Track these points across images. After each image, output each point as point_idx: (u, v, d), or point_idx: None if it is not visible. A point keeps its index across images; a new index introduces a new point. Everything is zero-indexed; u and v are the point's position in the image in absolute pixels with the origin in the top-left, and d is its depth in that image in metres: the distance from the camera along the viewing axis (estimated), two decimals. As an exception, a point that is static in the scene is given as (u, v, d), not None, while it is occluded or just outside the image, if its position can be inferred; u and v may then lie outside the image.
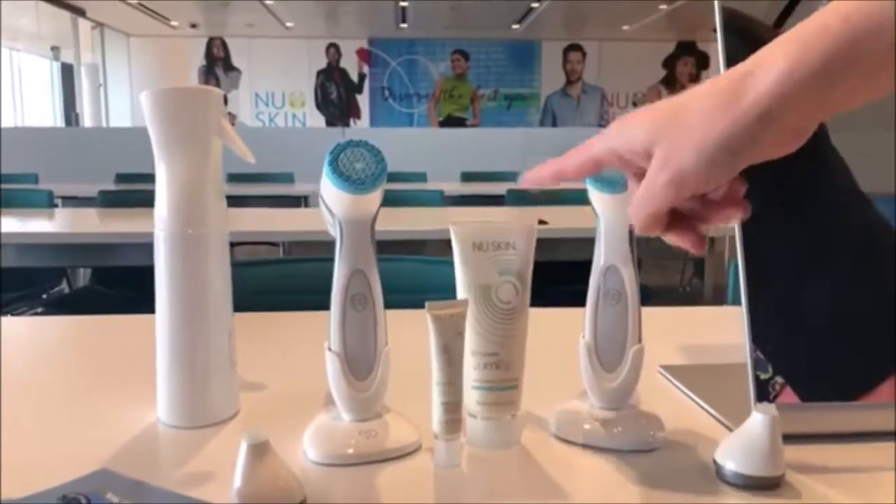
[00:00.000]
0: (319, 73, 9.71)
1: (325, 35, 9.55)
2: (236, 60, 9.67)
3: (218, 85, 9.31)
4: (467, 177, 4.15)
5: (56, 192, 2.81)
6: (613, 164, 0.43)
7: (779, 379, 0.54)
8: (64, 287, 2.61)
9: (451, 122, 9.63)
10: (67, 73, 9.18)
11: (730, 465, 0.47)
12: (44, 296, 2.56)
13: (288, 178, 4.03)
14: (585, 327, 0.53)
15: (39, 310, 2.43)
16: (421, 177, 3.94)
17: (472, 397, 0.52)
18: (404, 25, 8.86)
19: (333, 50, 9.68)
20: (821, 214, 0.56)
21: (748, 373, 0.52)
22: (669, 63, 9.99)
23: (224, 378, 0.57)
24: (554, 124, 9.78)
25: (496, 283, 0.52)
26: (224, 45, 9.64)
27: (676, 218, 0.43)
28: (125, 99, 9.45)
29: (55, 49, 9.36)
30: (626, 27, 8.99)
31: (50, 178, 3.82)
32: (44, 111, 9.42)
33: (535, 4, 7.78)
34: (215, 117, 0.54)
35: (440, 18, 8.47)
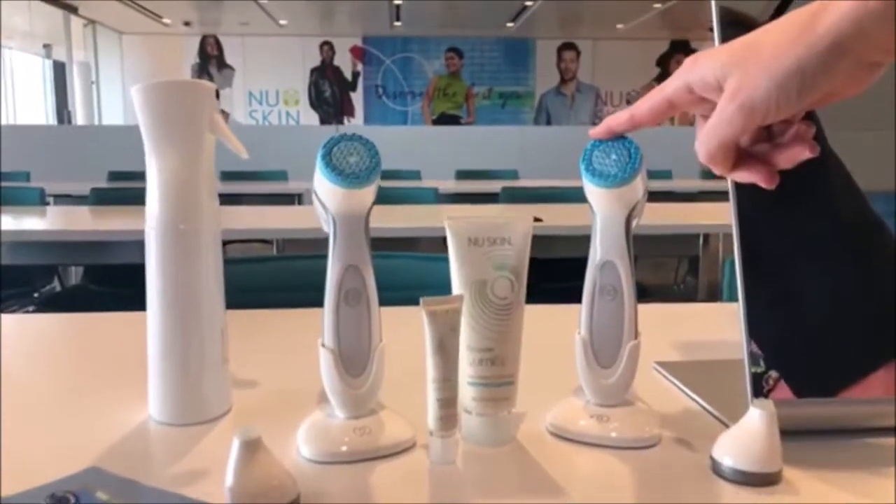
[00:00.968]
0: (313, 70, 9.68)
1: (319, 33, 9.52)
2: (230, 58, 9.63)
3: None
4: (462, 175, 4.14)
5: (48, 190, 2.79)
6: (685, 103, 0.44)
7: (772, 374, 0.54)
8: (56, 285, 2.59)
9: (445, 120, 9.61)
10: (59, 70, 9.12)
11: (727, 461, 0.46)
12: (35, 294, 2.54)
13: (282, 176, 4.01)
14: (581, 323, 0.53)
15: (31, 308, 2.41)
16: (415, 174, 3.93)
17: (467, 393, 0.52)
18: (398, 23, 8.84)
19: (327, 48, 9.65)
20: (817, 211, 0.56)
21: (745, 368, 0.52)
22: (663, 62, 10.00)
23: (216, 375, 0.56)
24: (548, 123, 9.78)
25: (492, 279, 0.51)
26: (218, 42, 9.60)
27: (744, 157, 0.43)
28: (118, 97, 9.40)
29: (47, 47, 9.29)
30: (620, 26, 8.99)
31: (42, 176, 3.79)
32: (36, 109, 9.36)
33: (529, 3, 7.78)
34: (207, 112, 0.54)
35: (434, 16, 8.45)
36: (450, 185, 3.48)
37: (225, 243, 2.03)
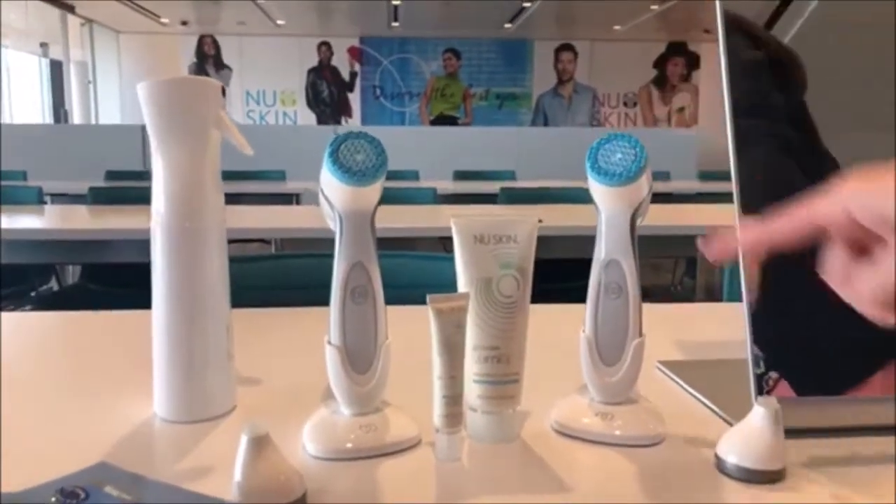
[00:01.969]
0: (310, 71, 9.68)
1: (317, 33, 9.52)
2: (227, 58, 9.61)
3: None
4: (460, 175, 4.14)
5: (45, 189, 2.78)
6: (842, 231, 0.38)
7: (772, 374, 0.54)
8: (53, 284, 2.58)
9: (442, 120, 9.62)
10: (56, 69, 9.09)
11: (731, 458, 0.46)
12: (33, 293, 2.53)
13: (280, 176, 4.01)
14: (586, 321, 0.53)
15: (28, 307, 2.41)
16: (412, 175, 3.93)
17: (473, 391, 0.52)
18: (396, 24, 8.84)
19: (325, 48, 9.64)
20: (807, 164, 0.56)
21: (749, 367, 0.52)
22: (660, 63, 10.02)
23: (222, 372, 0.56)
24: (545, 124, 9.79)
25: (497, 277, 0.52)
26: (215, 42, 9.59)
27: None
28: (115, 96, 9.38)
29: (44, 45, 9.27)
30: (617, 27, 9.01)
31: (39, 175, 3.78)
32: (33, 108, 9.33)
33: (526, 4, 7.78)
34: (213, 109, 0.54)
35: (432, 17, 8.45)
36: (448, 186, 3.49)
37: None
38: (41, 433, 0.53)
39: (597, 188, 0.51)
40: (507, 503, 0.44)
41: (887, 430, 0.53)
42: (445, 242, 1.80)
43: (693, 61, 9.98)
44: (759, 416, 0.46)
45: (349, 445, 0.49)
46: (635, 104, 10.07)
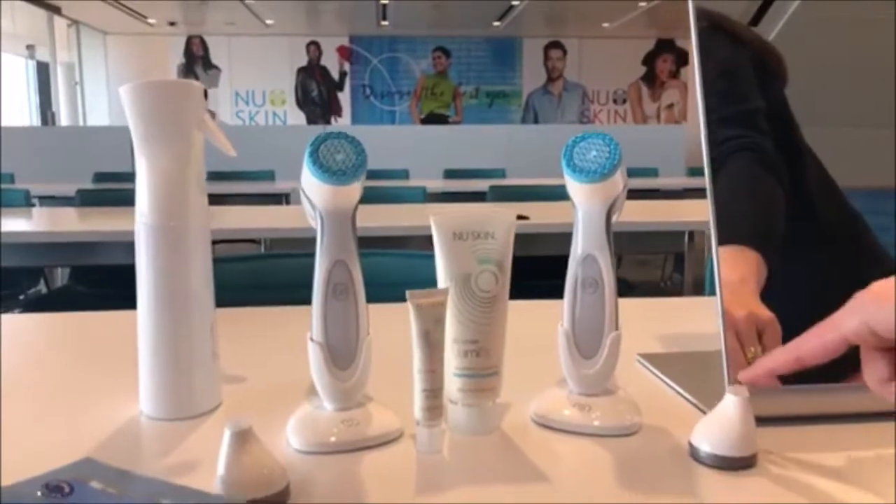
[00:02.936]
0: (300, 70, 9.65)
1: (306, 33, 9.49)
2: (216, 58, 9.57)
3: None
4: (450, 174, 4.16)
5: (33, 191, 2.77)
6: (868, 343, 0.40)
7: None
8: (42, 287, 2.58)
9: (433, 119, 9.62)
10: (43, 71, 9.03)
11: (704, 446, 0.48)
12: (21, 297, 2.52)
13: (269, 176, 4.00)
14: (564, 315, 0.54)
15: (17, 310, 2.40)
16: (402, 174, 3.94)
17: (453, 384, 0.53)
18: (385, 23, 8.83)
19: (314, 48, 9.61)
20: (796, 204, 0.58)
21: (722, 356, 0.54)
22: (649, 60, 10.05)
23: (206, 369, 0.57)
24: (536, 121, 9.81)
25: (476, 272, 0.53)
26: (203, 42, 9.55)
27: None
28: (102, 98, 9.32)
29: (30, 47, 9.20)
30: (606, 25, 9.03)
31: (27, 178, 3.76)
32: (20, 111, 9.26)
33: (515, 2, 7.80)
34: (196, 111, 0.54)
35: (421, 16, 8.45)
36: (438, 185, 3.50)
37: (212, 243, 2.04)
38: (27, 432, 0.54)
39: (573, 185, 0.53)
40: (487, 494, 0.45)
41: (859, 417, 0.54)
42: (434, 241, 1.80)
43: (682, 58, 10.02)
44: (730, 405, 0.47)
45: (332, 439, 0.50)
46: (625, 101, 10.10)
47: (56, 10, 8.01)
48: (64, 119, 8.88)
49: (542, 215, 1.98)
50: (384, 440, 0.51)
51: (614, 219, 0.55)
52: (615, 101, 10.07)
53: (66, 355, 0.76)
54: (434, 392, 0.49)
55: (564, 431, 0.53)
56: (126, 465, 0.46)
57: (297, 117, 9.65)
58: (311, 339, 0.51)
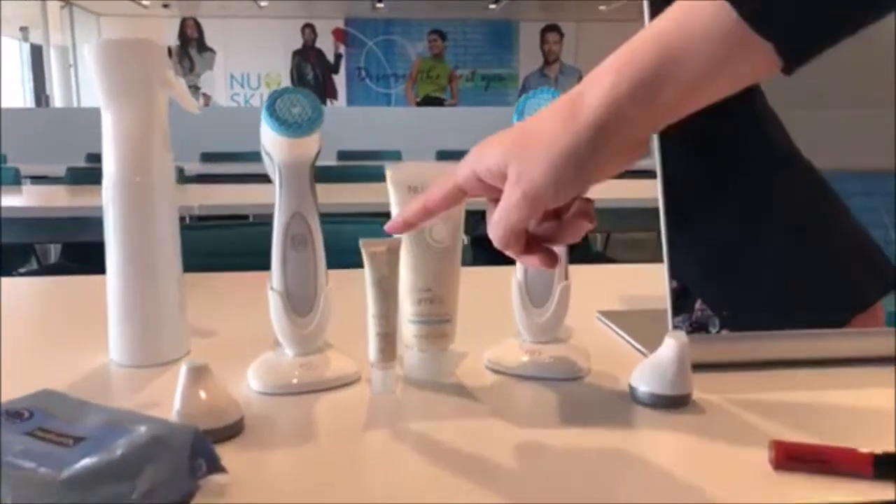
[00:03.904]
0: (295, 53, 9.61)
1: (301, 15, 9.44)
2: (210, 41, 9.52)
3: (192, 66, 9.17)
4: (442, 155, 4.16)
5: (23, 172, 2.77)
6: (476, 189, 0.44)
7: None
8: (33, 265, 2.59)
9: (429, 102, 9.59)
10: (37, 54, 8.99)
11: (643, 387, 0.50)
12: (13, 274, 2.54)
13: (261, 157, 4.01)
14: (517, 267, 0.57)
15: (9, 288, 2.41)
16: (396, 155, 3.95)
17: (409, 331, 0.55)
18: (380, 5, 8.79)
19: (309, 30, 9.56)
20: (754, 170, 0.59)
21: (666, 302, 0.56)
22: (646, 43, 10.01)
23: (173, 320, 0.59)
24: (532, 105, 9.77)
25: (430, 224, 0.55)
26: (198, 25, 9.49)
27: (532, 240, 0.44)
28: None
29: (24, 30, 9.14)
30: (602, 8, 8.99)
31: (19, 159, 3.75)
32: (14, 94, 9.22)
33: (511, -16, 7.76)
34: (159, 68, 0.56)
35: (417, -2, 8.41)
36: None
37: (203, 219, 2.05)
38: None
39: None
40: (435, 428, 0.47)
41: (799, 364, 0.57)
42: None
43: (678, 41, 9.96)
44: (667, 347, 0.49)
45: (292, 381, 0.52)
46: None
47: (49, -9, 7.96)
48: (58, 101, 8.85)
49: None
50: (341, 383, 0.53)
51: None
52: (612, 85, 10.04)
53: (37, 315, 0.78)
54: (387, 336, 0.51)
55: (516, 376, 0.56)
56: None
57: (292, 100, 9.59)
58: (272, 289, 0.53)
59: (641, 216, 2.37)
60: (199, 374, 0.44)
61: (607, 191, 2.11)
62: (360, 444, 0.45)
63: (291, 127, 0.50)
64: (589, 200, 0.44)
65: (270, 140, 0.52)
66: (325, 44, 9.66)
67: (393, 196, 0.56)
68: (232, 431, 0.45)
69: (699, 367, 0.52)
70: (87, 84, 9.17)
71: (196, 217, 1.90)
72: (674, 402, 0.49)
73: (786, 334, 0.57)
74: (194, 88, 9.21)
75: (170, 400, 0.45)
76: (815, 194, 0.59)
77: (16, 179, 2.59)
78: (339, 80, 9.73)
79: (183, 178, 2.72)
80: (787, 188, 0.59)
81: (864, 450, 0.40)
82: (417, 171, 0.55)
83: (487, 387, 0.54)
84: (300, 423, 0.48)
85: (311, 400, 0.51)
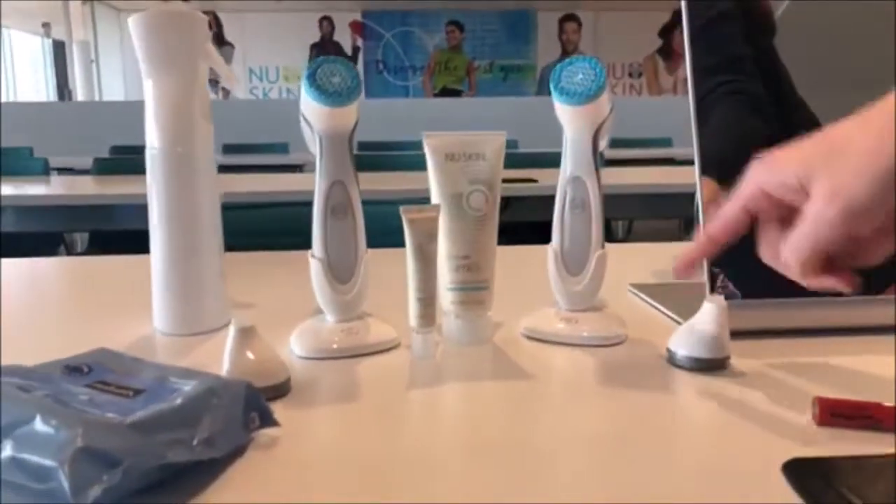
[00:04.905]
0: (313, 46, 9.63)
1: (318, 8, 9.47)
2: (229, 35, 9.58)
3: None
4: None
5: (51, 164, 2.82)
6: (764, 209, 0.41)
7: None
8: (62, 254, 2.64)
9: (446, 94, 9.57)
10: (59, 49, 9.10)
11: (682, 350, 0.51)
12: (43, 263, 2.58)
13: (283, 149, 4.03)
14: (553, 235, 0.57)
15: (39, 276, 2.46)
16: (415, 146, 3.95)
17: (447, 298, 0.56)
18: (398, -3, 8.78)
19: (326, 23, 9.59)
20: (773, 115, 0.59)
21: (704, 268, 0.56)
22: (666, 33, 9.91)
23: (215, 288, 0.60)
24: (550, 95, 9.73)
25: (467, 192, 0.55)
26: (217, 19, 9.55)
27: (827, 261, 0.40)
28: (118, 75, 9.39)
29: (46, 26, 9.26)
30: (621, -4, 8.91)
31: (45, 152, 3.82)
32: (37, 90, 9.36)
33: (529, -27, 7.71)
34: (200, 40, 0.57)
35: (434, -11, 8.38)
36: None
37: (226, 208, 2.07)
38: (49, 343, 0.58)
39: (561, 108, 0.55)
40: (475, 390, 0.48)
41: (838, 331, 0.57)
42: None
43: (698, 29, 9.85)
44: (706, 311, 0.50)
45: (333, 346, 0.54)
46: (640, 75, 9.98)
47: (70, -13, 8.05)
48: (80, 97, 8.96)
49: (551, 179, 1.99)
50: (381, 348, 0.54)
51: (603, 145, 0.58)
52: (630, 75, 9.95)
53: (80, 291, 0.80)
54: (428, 300, 0.52)
55: (553, 343, 0.56)
56: (141, 367, 0.49)
57: (310, 93, 9.63)
58: (313, 256, 0.54)
59: (664, 204, 2.37)
60: (247, 334, 0.45)
61: (630, 177, 2.11)
62: (403, 403, 0.46)
63: (332, 96, 0.51)
64: (890, 217, 0.39)
65: (311, 110, 0.53)
66: (343, 36, 9.68)
67: (430, 163, 0.56)
68: (280, 391, 0.46)
69: (734, 334, 0.52)
70: (108, 79, 9.28)
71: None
72: (713, 365, 0.50)
73: (823, 301, 0.57)
74: (213, 83, 9.27)
75: (215, 364, 0.46)
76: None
77: (44, 170, 2.64)
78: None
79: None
80: None
81: (909, 406, 0.40)
82: (454, 140, 0.56)
83: (525, 352, 0.55)
84: (344, 385, 0.49)
85: (353, 364, 0.52)
